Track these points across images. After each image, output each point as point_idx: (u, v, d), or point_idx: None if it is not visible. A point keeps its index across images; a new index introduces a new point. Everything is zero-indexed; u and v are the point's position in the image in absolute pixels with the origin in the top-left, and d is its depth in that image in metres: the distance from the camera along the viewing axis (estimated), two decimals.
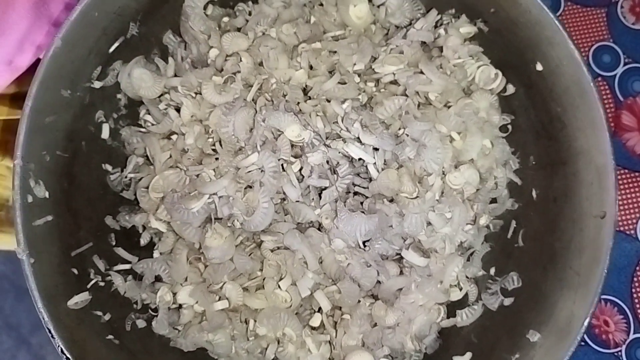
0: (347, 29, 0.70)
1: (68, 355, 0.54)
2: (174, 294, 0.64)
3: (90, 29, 0.60)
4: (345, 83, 0.66)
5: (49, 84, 0.57)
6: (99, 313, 0.60)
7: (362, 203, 0.63)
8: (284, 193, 0.62)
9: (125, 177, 0.68)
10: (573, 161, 0.61)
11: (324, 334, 0.64)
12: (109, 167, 0.67)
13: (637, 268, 0.77)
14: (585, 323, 0.54)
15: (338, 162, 0.63)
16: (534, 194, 0.66)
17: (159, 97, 0.68)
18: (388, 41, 0.69)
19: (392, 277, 0.63)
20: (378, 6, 0.71)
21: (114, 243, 0.65)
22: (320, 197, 0.63)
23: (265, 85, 0.66)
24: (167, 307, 0.64)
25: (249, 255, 0.64)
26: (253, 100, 0.65)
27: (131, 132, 0.68)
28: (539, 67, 0.63)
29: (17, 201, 0.55)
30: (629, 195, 0.79)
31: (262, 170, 0.62)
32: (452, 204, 0.64)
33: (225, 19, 0.70)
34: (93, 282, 0.61)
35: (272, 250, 0.63)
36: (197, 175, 0.63)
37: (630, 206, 0.79)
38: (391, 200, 0.63)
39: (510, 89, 0.68)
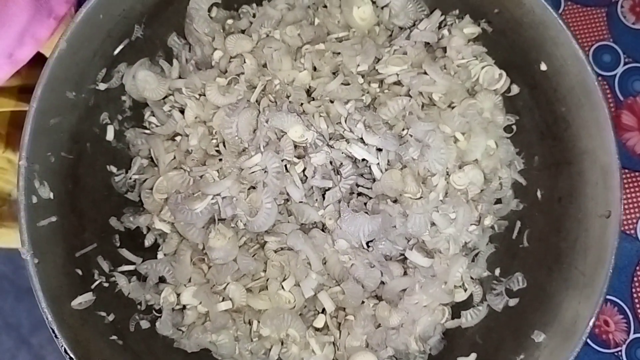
0: (351, 31, 0.70)
1: (72, 355, 0.54)
2: (178, 295, 0.64)
3: (95, 31, 0.60)
4: (348, 84, 0.66)
5: (54, 85, 0.57)
6: (103, 313, 0.60)
7: (365, 204, 0.63)
8: (288, 194, 0.62)
9: (130, 178, 0.68)
10: (578, 161, 0.61)
11: (328, 335, 0.64)
12: (113, 169, 0.67)
13: (638, 268, 0.77)
14: (591, 323, 0.54)
15: (341, 163, 0.63)
16: (538, 194, 0.66)
17: (164, 98, 0.69)
18: (392, 42, 0.69)
19: (395, 277, 0.63)
20: (382, 7, 0.71)
21: (118, 244, 0.65)
22: (324, 198, 0.63)
23: (268, 86, 0.66)
24: (171, 308, 0.64)
25: (253, 256, 0.64)
26: (257, 101, 0.65)
27: (136, 133, 0.68)
28: (543, 67, 0.63)
29: (22, 202, 0.55)
30: (629, 195, 0.79)
31: (265, 171, 0.62)
32: (456, 205, 0.64)
33: (230, 21, 0.71)
34: (97, 282, 0.61)
35: (275, 251, 0.63)
36: (201, 176, 0.63)
37: (631, 206, 0.79)
38: (395, 201, 0.63)
39: (515, 89, 0.68)
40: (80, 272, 0.60)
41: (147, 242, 0.67)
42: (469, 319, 0.65)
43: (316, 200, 0.63)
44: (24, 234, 0.55)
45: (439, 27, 0.70)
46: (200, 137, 0.65)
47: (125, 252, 0.65)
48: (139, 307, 0.64)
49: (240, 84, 0.65)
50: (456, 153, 0.65)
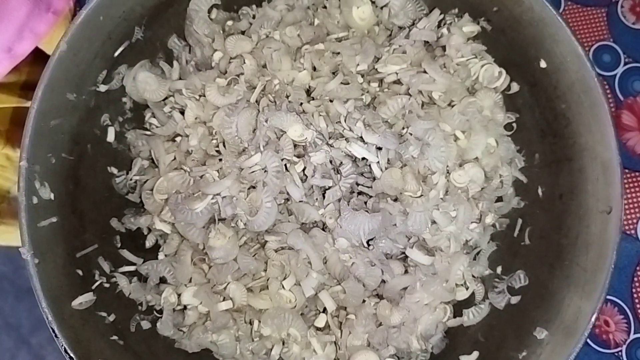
0: (350, 31, 0.71)
1: (72, 355, 0.54)
2: (179, 295, 0.64)
3: (95, 33, 0.61)
4: (348, 83, 0.66)
5: (54, 87, 0.58)
6: (104, 314, 0.60)
7: (365, 202, 0.63)
8: (288, 193, 0.62)
9: (131, 179, 0.68)
10: (578, 157, 0.61)
11: (329, 334, 0.64)
12: (114, 170, 0.67)
13: (638, 268, 0.76)
14: (593, 319, 0.54)
15: (341, 162, 0.63)
16: (539, 191, 0.66)
17: (164, 100, 0.69)
18: (391, 41, 0.69)
19: (396, 276, 0.63)
20: (381, 7, 0.71)
21: (119, 245, 0.65)
22: (324, 197, 0.63)
23: (268, 86, 0.66)
24: (171, 309, 0.64)
25: (253, 255, 0.63)
26: (256, 101, 0.65)
27: (136, 135, 0.69)
28: (543, 64, 0.63)
29: (23, 202, 0.55)
30: (629, 195, 0.78)
31: (265, 171, 0.62)
32: (457, 202, 0.64)
33: (230, 23, 0.71)
34: (98, 283, 0.61)
35: (276, 251, 0.63)
36: (201, 176, 0.64)
37: (631, 206, 0.78)
38: (395, 199, 0.63)
39: (515, 87, 0.68)
40: (80, 272, 0.60)
41: (148, 244, 0.67)
42: (471, 317, 0.65)
43: (316, 199, 0.63)
44: (24, 234, 0.55)
45: (438, 26, 0.70)
46: (200, 137, 0.65)
47: (126, 253, 0.65)
48: (139, 307, 0.64)
49: (240, 84, 0.66)
50: (456, 151, 0.65)
